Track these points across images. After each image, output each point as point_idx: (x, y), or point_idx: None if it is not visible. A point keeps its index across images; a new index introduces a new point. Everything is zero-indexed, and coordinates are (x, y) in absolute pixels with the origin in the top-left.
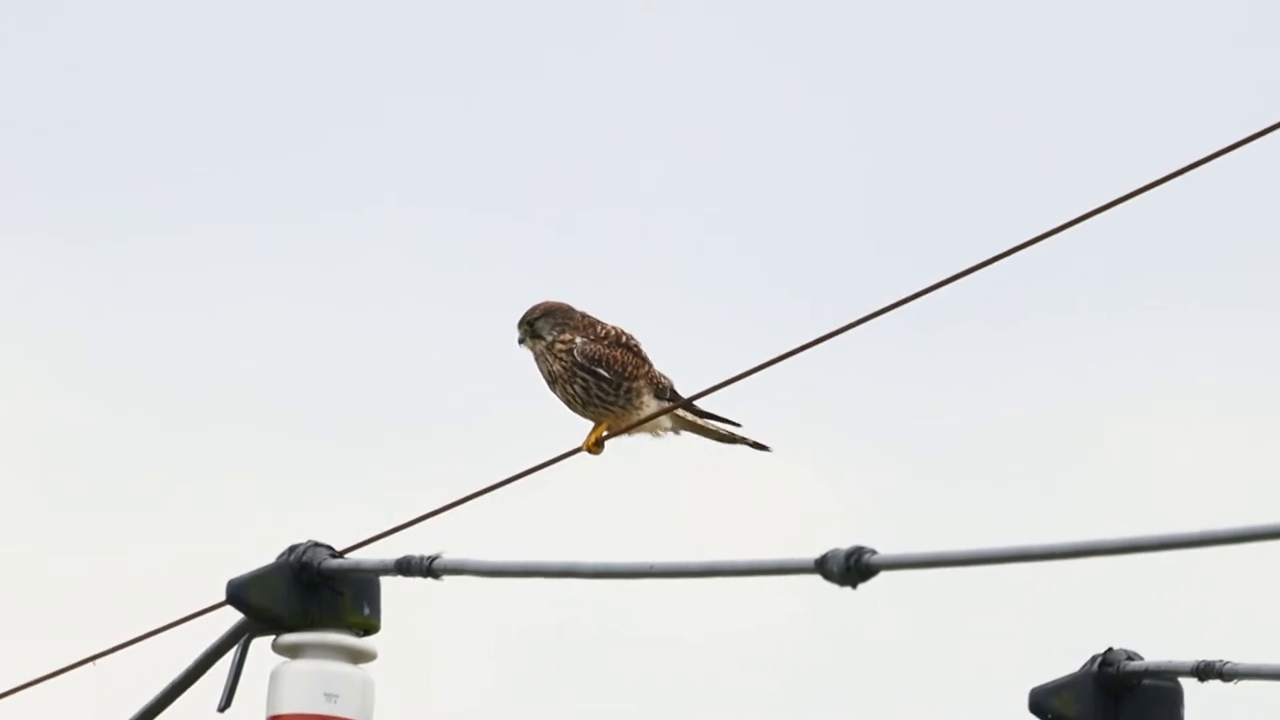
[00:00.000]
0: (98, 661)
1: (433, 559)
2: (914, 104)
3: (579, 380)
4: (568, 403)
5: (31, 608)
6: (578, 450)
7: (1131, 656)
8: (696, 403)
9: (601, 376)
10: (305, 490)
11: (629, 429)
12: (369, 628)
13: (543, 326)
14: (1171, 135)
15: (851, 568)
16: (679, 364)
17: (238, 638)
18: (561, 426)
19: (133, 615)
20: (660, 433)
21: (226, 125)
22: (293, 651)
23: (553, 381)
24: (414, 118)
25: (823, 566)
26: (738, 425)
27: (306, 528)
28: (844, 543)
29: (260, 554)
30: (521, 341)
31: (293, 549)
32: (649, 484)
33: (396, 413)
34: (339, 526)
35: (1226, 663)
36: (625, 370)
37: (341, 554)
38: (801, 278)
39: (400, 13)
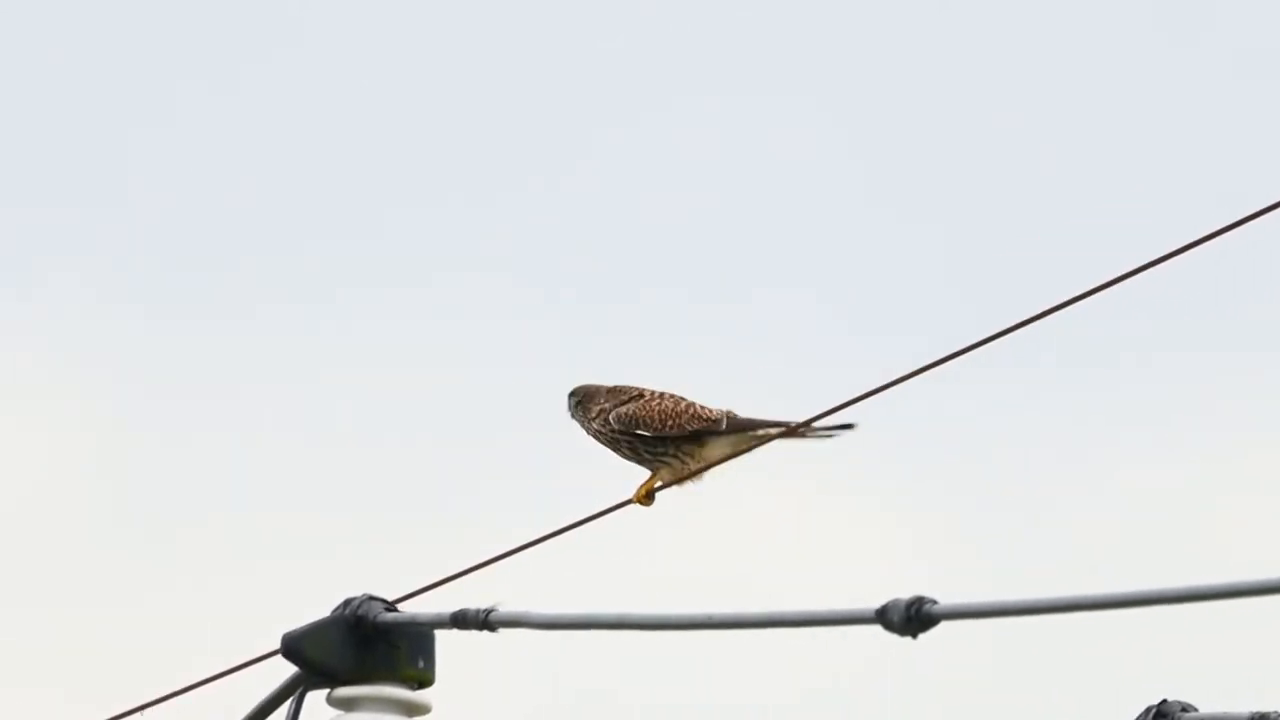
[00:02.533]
0: (147, 710)
1: (488, 611)
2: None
3: (624, 444)
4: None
5: (80, 654)
6: (628, 502)
7: (1186, 708)
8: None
9: (643, 435)
10: (359, 539)
11: (693, 476)
12: (424, 680)
13: (575, 407)
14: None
15: (912, 618)
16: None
17: (292, 690)
18: (617, 477)
19: (183, 664)
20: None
21: (288, 186)
22: (348, 705)
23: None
24: (473, 188)
25: (883, 616)
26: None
27: (360, 576)
28: (903, 592)
29: (314, 603)
30: (572, 414)
31: (348, 602)
32: (704, 535)
33: (448, 465)
34: (392, 574)
35: None
36: (666, 420)
37: (395, 605)
38: (867, 319)
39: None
